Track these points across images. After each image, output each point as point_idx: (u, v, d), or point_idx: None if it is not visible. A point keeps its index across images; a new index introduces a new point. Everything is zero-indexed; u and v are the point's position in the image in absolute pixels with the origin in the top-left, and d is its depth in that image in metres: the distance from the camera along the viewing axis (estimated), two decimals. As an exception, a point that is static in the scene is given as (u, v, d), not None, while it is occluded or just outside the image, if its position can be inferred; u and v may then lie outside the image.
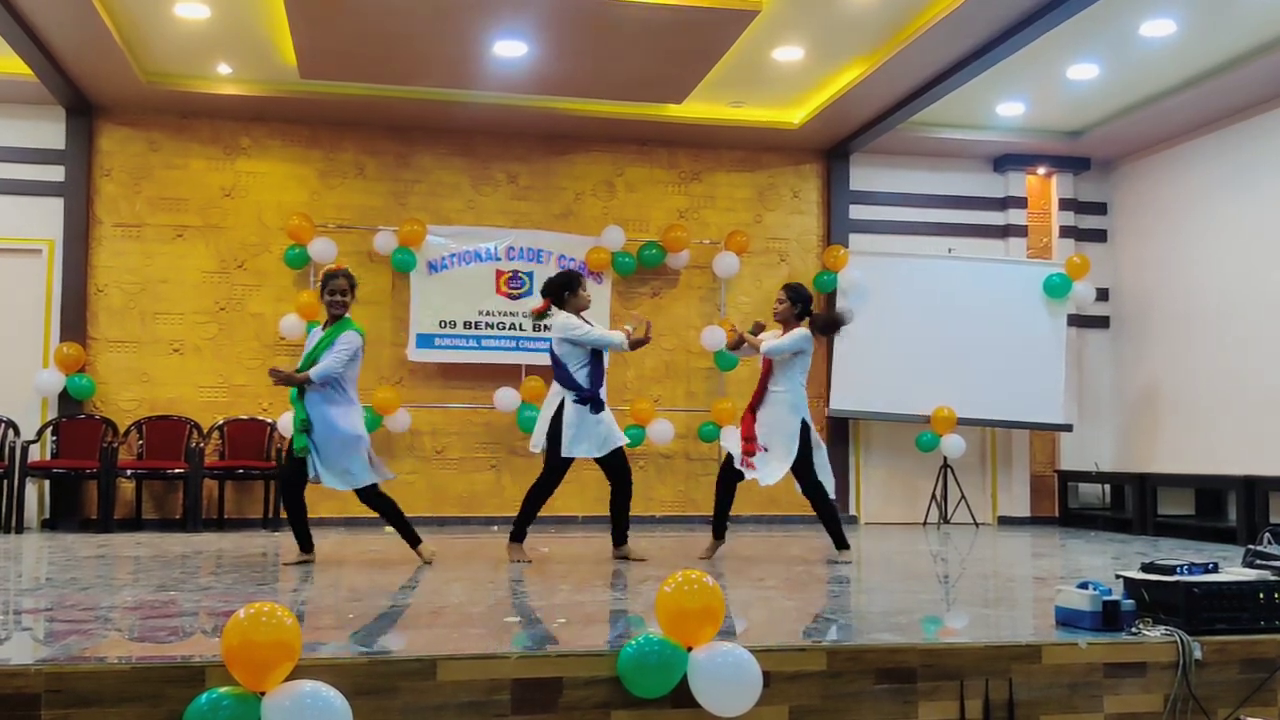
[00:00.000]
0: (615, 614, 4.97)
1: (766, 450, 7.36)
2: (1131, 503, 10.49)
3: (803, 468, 7.37)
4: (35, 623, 4.64)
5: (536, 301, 10.22)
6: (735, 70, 9.41)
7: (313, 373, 6.65)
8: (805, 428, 7.40)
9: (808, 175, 11.49)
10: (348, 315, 6.92)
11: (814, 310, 7.55)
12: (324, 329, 6.92)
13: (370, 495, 6.90)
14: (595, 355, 7.13)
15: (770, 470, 7.34)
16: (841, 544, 7.50)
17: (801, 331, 7.38)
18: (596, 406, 7.03)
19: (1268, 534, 5.34)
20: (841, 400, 10.90)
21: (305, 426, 6.70)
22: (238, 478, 9.94)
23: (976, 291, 10.97)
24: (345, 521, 10.19)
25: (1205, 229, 10.50)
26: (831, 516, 7.54)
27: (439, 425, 10.55)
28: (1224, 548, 8.55)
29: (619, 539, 7.27)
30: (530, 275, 10.54)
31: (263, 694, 3.28)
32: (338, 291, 6.87)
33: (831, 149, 11.34)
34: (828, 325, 7.68)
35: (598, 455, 7.03)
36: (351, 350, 6.73)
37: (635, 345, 7.22)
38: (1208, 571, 4.59)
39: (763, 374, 7.51)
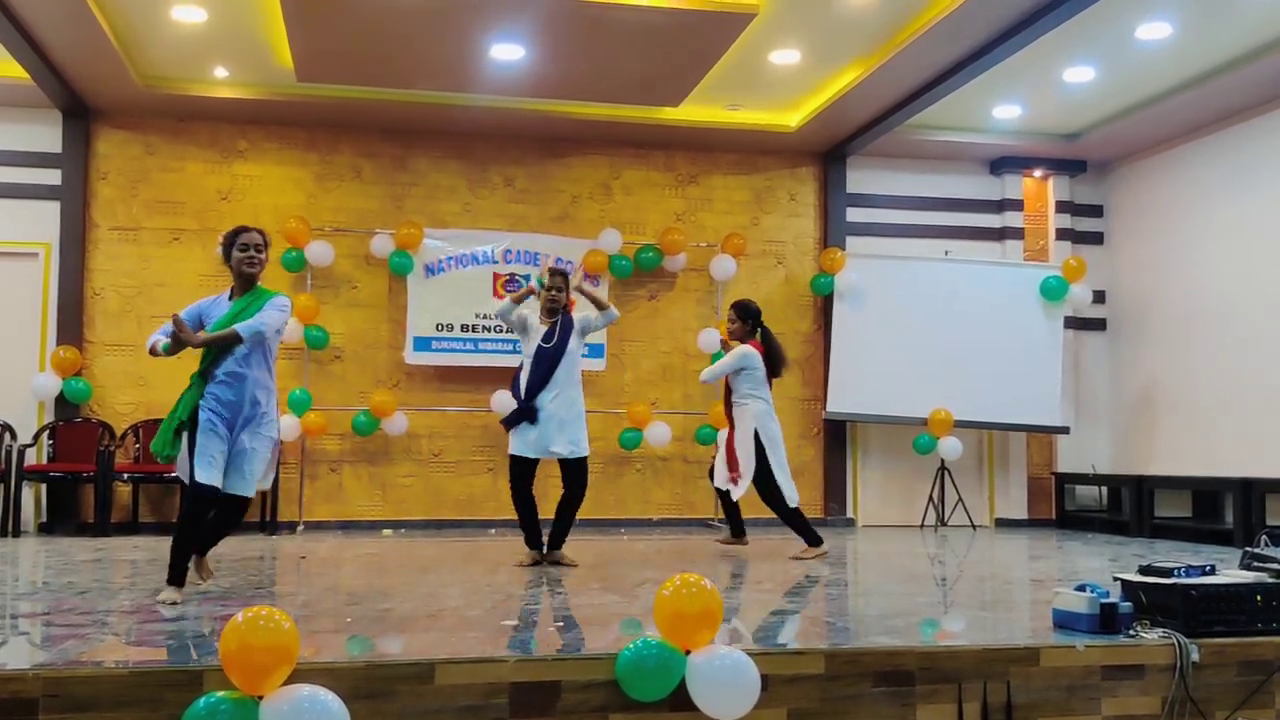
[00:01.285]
0: (614, 617, 4.96)
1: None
2: (1129, 505, 10.49)
3: (759, 475, 7.61)
4: (32, 627, 4.63)
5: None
6: (732, 73, 9.42)
7: (241, 328, 5.39)
8: (757, 435, 7.61)
9: (805, 178, 11.50)
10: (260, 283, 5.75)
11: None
12: (232, 298, 5.69)
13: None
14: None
15: (740, 485, 7.77)
16: (813, 541, 7.62)
17: (739, 351, 7.71)
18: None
19: (1265, 536, 5.35)
20: (839, 402, 10.91)
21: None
22: (235, 481, 9.91)
23: (973, 294, 10.97)
24: (342, 525, 10.19)
25: (1202, 231, 10.51)
26: (793, 520, 7.71)
27: (436, 428, 10.55)
28: (1221, 550, 8.55)
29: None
30: (527, 278, 10.52)
31: (260, 698, 3.28)
32: (251, 246, 5.65)
33: (828, 152, 11.35)
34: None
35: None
36: (288, 313, 5.65)
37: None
38: (1205, 574, 4.59)
39: (723, 395, 7.93)
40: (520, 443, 7.01)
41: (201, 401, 5.37)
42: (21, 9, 7.92)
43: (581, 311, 7.36)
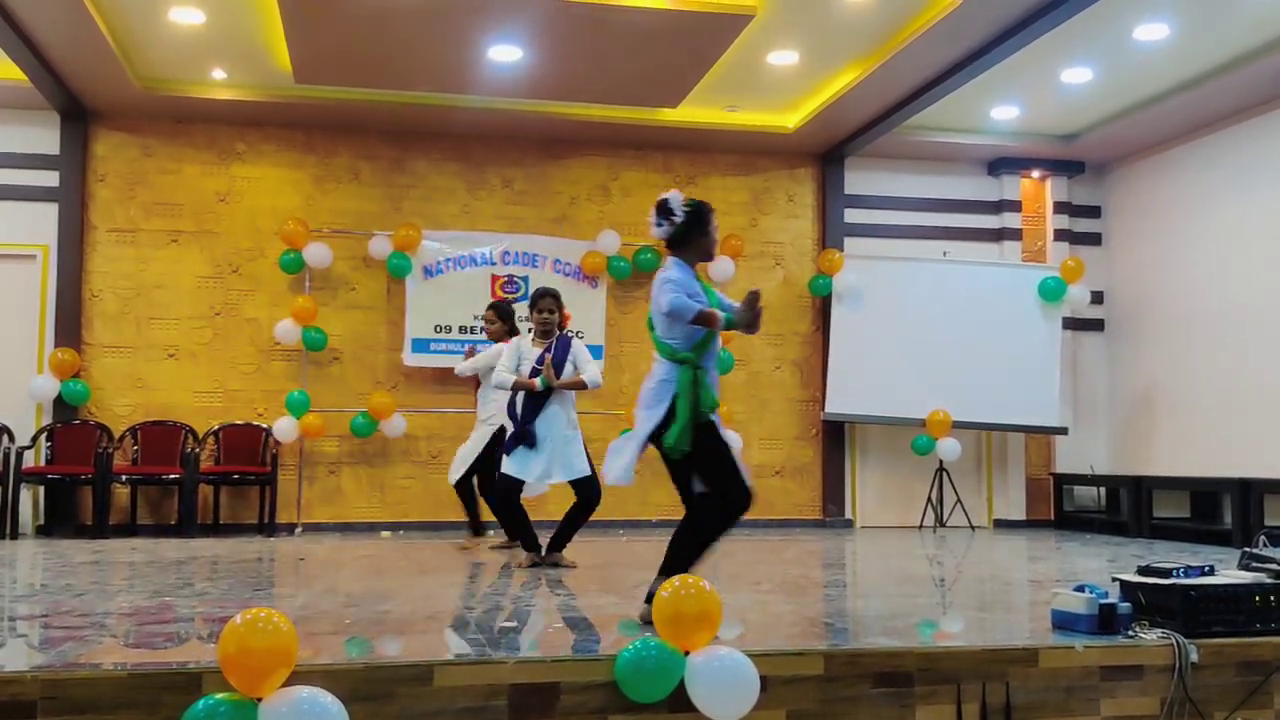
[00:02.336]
0: (613, 618, 4.96)
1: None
2: (1127, 505, 10.50)
3: (490, 466, 7.76)
4: (30, 629, 4.63)
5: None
6: (730, 74, 9.42)
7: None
8: (503, 430, 7.67)
9: (803, 179, 11.50)
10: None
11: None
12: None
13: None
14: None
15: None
16: (531, 547, 7.17)
17: (491, 350, 7.83)
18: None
19: (1263, 536, 5.36)
20: (837, 403, 10.91)
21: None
22: (233, 483, 9.92)
23: (971, 295, 10.98)
24: (341, 527, 10.19)
25: (1199, 232, 10.51)
26: (505, 514, 7.45)
27: (434, 430, 10.54)
28: (1220, 550, 8.55)
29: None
30: (525, 280, 10.53)
31: (259, 700, 3.28)
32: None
33: (826, 153, 11.35)
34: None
35: None
36: None
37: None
38: (1204, 574, 4.59)
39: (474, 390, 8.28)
40: (517, 465, 6.92)
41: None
42: (19, 11, 7.92)
43: (578, 342, 7.22)
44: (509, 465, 6.95)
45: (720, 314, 4.91)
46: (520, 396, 7.02)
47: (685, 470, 5.00)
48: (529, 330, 7.28)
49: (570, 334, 7.30)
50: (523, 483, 6.98)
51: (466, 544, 8.50)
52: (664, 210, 5.06)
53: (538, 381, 6.90)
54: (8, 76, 9.25)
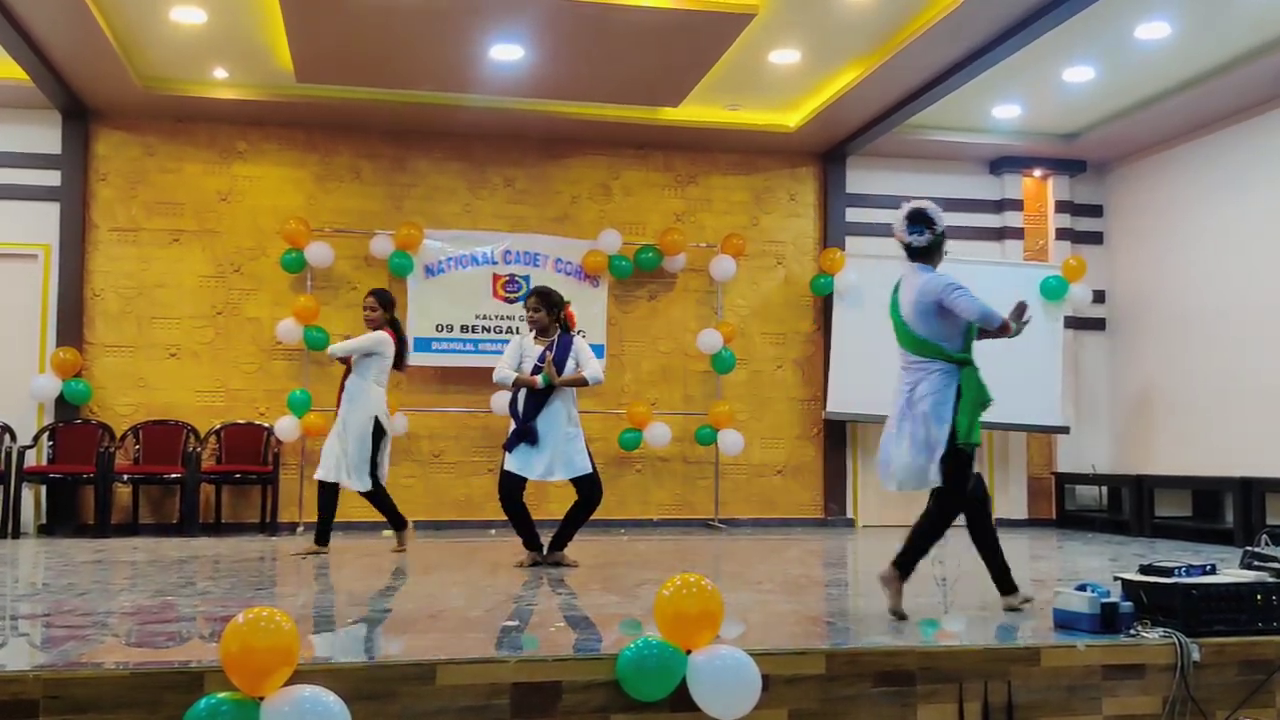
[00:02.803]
0: (614, 617, 4.96)
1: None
2: (1129, 504, 10.49)
3: (363, 459, 7.70)
4: (32, 628, 4.63)
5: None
6: (731, 73, 9.42)
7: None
8: (378, 421, 7.76)
9: (804, 178, 11.50)
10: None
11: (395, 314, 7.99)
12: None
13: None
14: None
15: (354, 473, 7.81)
16: (399, 524, 7.96)
17: (377, 336, 7.77)
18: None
19: (1265, 535, 5.35)
20: (838, 403, 10.90)
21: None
22: (234, 482, 9.92)
23: (973, 293, 10.94)
24: (341, 526, 10.17)
25: (1201, 231, 10.51)
26: (382, 501, 7.86)
27: (436, 429, 10.55)
28: (1221, 549, 8.55)
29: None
30: (526, 279, 10.53)
31: (261, 699, 3.28)
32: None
33: (828, 152, 11.35)
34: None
35: None
36: None
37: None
38: (1205, 573, 4.60)
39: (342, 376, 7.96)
40: (519, 462, 6.95)
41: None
42: (21, 10, 7.92)
43: (581, 340, 7.23)
44: (511, 462, 6.96)
45: (1011, 321, 5.53)
46: (522, 394, 7.01)
47: (960, 465, 5.36)
48: (531, 328, 7.25)
49: (573, 332, 7.28)
50: (524, 480, 6.98)
51: (400, 545, 8.05)
52: (923, 219, 5.76)
53: (539, 379, 6.90)
54: (9, 76, 9.25)
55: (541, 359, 6.98)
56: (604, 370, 7.30)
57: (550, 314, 7.13)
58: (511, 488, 7.00)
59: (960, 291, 5.41)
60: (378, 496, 7.83)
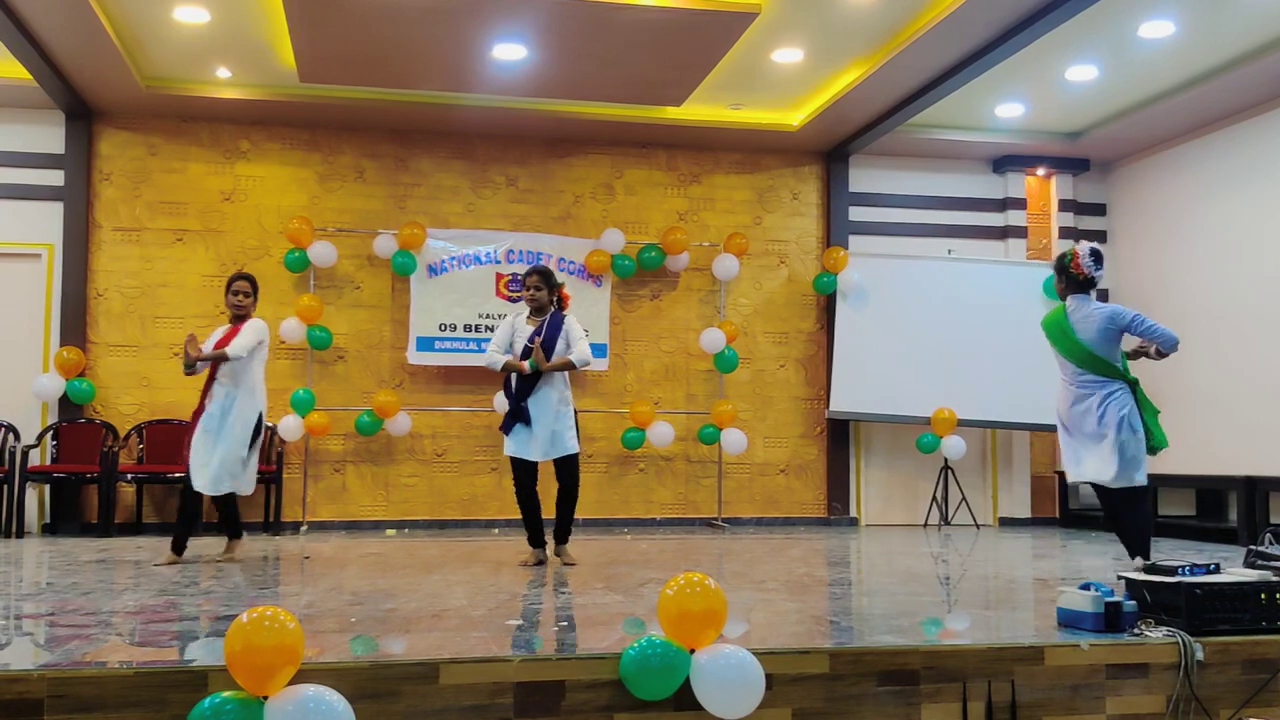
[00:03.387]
0: (618, 617, 4.96)
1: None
2: (1132, 503, 10.47)
3: (236, 455, 7.13)
4: (37, 628, 4.63)
5: (524, 308, 10.26)
6: (734, 72, 9.42)
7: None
8: (261, 417, 7.36)
9: (807, 177, 11.50)
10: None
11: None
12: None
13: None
14: None
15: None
16: (237, 534, 7.49)
17: (261, 326, 7.39)
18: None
19: (1269, 534, 5.34)
20: (842, 402, 10.90)
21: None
22: (238, 481, 9.92)
23: (976, 293, 10.97)
24: (346, 525, 10.20)
25: (1205, 230, 10.50)
26: (232, 507, 7.39)
27: (439, 428, 10.55)
28: (1225, 548, 8.55)
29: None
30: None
31: (265, 698, 3.28)
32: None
33: (831, 151, 11.35)
34: None
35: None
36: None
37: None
38: (1209, 572, 4.59)
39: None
40: (516, 445, 7.02)
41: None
42: (24, 10, 7.93)
43: (572, 319, 7.22)
44: (510, 446, 7.04)
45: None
46: (514, 375, 7.03)
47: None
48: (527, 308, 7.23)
49: (566, 312, 7.25)
50: (534, 468, 7.02)
51: (230, 554, 7.39)
52: (1100, 257, 6.51)
53: (526, 364, 6.93)
54: (13, 76, 9.27)
55: (531, 340, 6.99)
56: (591, 358, 7.20)
57: (550, 293, 7.14)
58: (521, 476, 7.05)
59: (1150, 322, 6.35)
60: (231, 500, 7.27)
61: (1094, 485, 6.50)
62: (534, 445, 6.98)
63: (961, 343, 10.83)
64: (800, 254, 11.42)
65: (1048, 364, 10.86)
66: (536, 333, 7.03)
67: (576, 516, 7.28)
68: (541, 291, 7.09)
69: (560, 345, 7.03)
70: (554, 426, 6.97)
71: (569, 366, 7.01)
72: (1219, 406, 10.18)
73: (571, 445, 7.02)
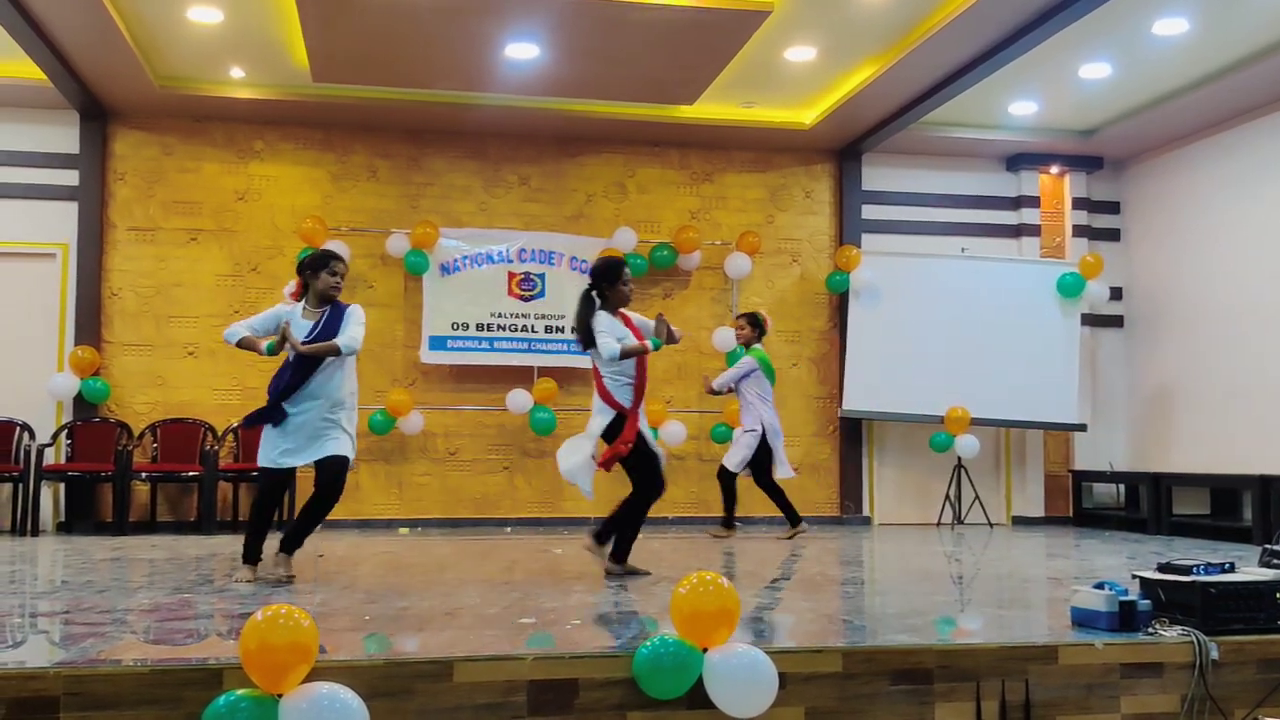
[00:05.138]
0: (630, 615, 4.97)
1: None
2: (1146, 502, 10.45)
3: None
4: (52, 625, 4.65)
5: (550, 304, 10.23)
6: (747, 71, 9.41)
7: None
8: None
9: (820, 175, 11.48)
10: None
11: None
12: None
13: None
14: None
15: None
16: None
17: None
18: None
19: (1284, 534, 5.32)
20: (854, 401, 10.89)
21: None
22: (252, 480, 9.94)
23: (990, 291, 10.94)
24: (359, 524, 10.22)
25: (1219, 227, 10.46)
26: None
27: (452, 427, 10.57)
28: (1240, 547, 8.51)
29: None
30: (542, 277, 10.55)
31: (280, 696, 3.30)
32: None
33: (843, 149, 11.33)
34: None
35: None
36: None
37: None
38: (1224, 571, 4.57)
39: None
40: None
41: None
42: (39, 11, 7.96)
43: (355, 306, 6.33)
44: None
45: None
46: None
47: None
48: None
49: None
50: (286, 486, 6.38)
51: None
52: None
53: (649, 343, 6.38)
54: (28, 76, 9.31)
55: (310, 332, 6.10)
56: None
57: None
58: (275, 487, 6.28)
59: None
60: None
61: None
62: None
63: (975, 341, 10.80)
64: (813, 252, 11.40)
65: (1062, 362, 10.93)
66: (310, 331, 6.10)
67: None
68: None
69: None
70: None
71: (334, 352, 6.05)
72: (1234, 405, 10.13)
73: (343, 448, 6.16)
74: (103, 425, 9.85)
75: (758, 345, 9.40)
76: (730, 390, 9.42)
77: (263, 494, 6.28)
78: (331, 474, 6.07)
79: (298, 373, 5.99)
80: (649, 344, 6.42)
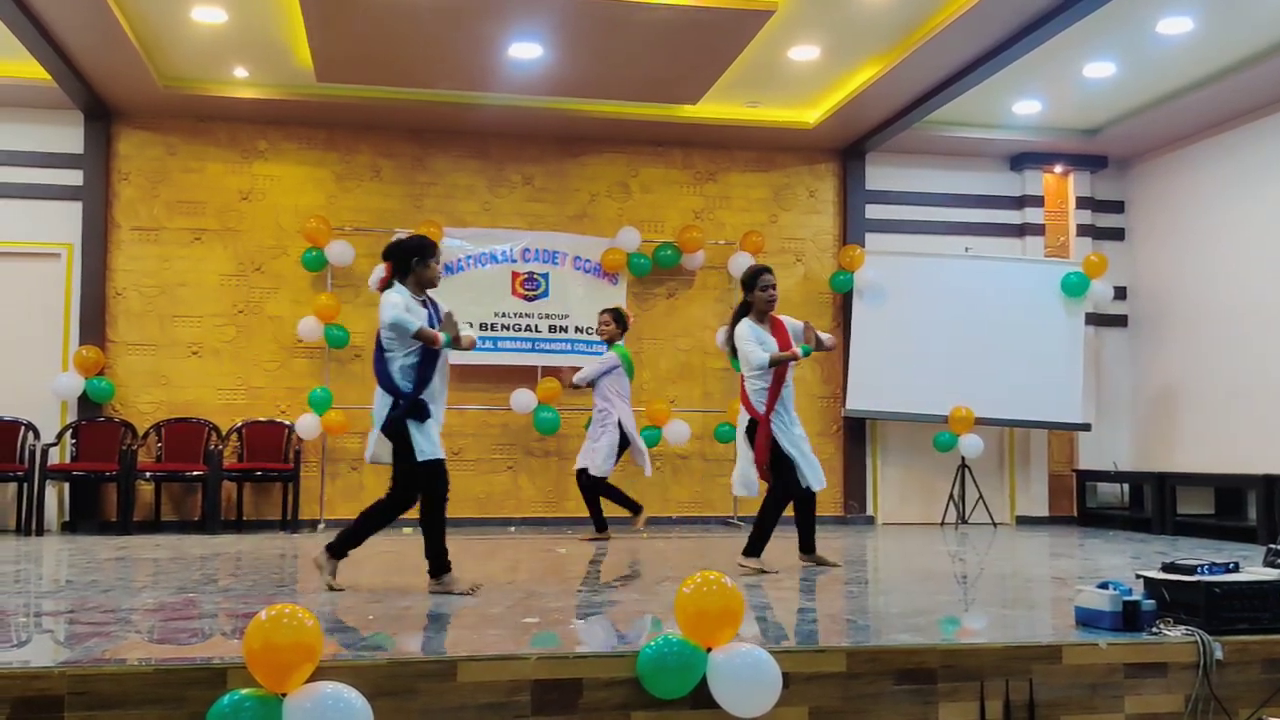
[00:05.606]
0: (634, 615, 4.97)
1: None
2: (1150, 502, 10.44)
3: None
4: (56, 625, 4.66)
5: (553, 303, 10.22)
6: (750, 70, 9.41)
7: None
8: None
9: (823, 175, 11.48)
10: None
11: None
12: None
13: None
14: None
15: None
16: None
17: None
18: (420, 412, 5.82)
19: (1289, 533, 5.32)
20: (858, 400, 10.88)
21: None
22: (256, 480, 9.97)
23: (994, 291, 10.93)
24: (363, 523, 10.21)
25: (1223, 226, 10.45)
26: None
27: (455, 427, 10.56)
28: (1244, 547, 8.50)
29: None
30: (545, 277, 10.55)
31: (284, 695, 3.30)
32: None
33: (847, 148, 11.32)
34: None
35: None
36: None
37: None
38: (1228, 571, 4.57)
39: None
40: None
41: None
42: (43, 11, 7.97)
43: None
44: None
45: None
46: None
47: None
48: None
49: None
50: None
51: None
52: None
53: (799, 350, 6.61)
54: (32, 76, 9.32)
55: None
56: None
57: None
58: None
59: None
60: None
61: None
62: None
63: (979, 341, 10.79)
64: (816, 252, 11.40)
65: (1066, 362, 10.92)
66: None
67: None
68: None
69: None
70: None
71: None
72: (1238, 405, 10.12)
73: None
74: (107, 425, 9.86)
75: (620, 342, 9.07)
76: (589, 386, 8.99)
77: (443, 488, 6.12)
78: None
79: (431, 365, 5.79)
80: (799, 351, 6.67)
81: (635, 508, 9.08)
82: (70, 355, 9.90)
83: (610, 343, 9.11)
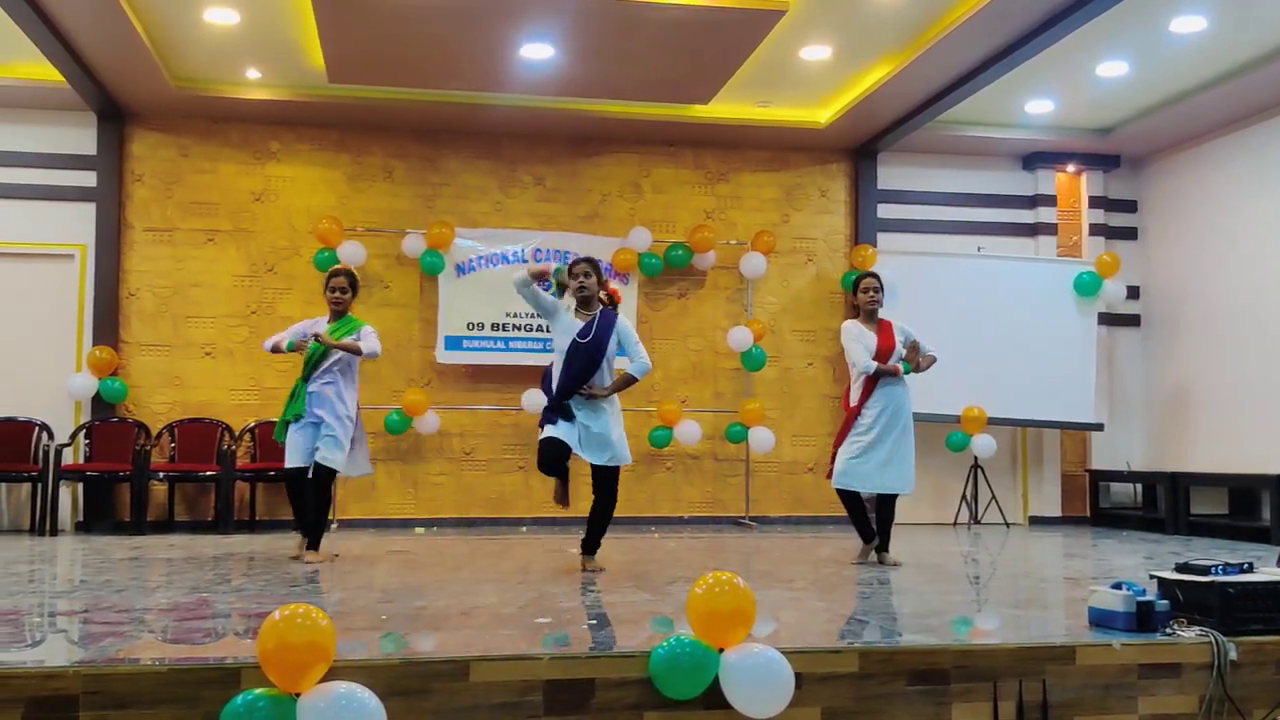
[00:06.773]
0: (646, 615, 4.97)
1: None
2: (1164, 502, 10.40)
3: None
4: (71, 625, 4.68)
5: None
6: (762, 70, 9.40)
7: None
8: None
9: (835, 174, 11.46)
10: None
11: None
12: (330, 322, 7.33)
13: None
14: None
15: None
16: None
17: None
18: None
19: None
20: (870, 400, 10.84)
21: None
22: (269, 480, 9.98)
23: (1006, 290, 10.90)
24: (375, 523, 10.24)
25: (1236, 226, 10.41)
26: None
27: (467, 427, 10.59)
28: (1258, 547, 8.47)
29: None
30: (557, 274, 10.52)
31: (298, 695, 3.31)
32: (337, 289, 7.26)
33: (859, 148, 11.31)
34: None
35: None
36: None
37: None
38: (1242, 571, 4.55)
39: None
40: (561, 429, 6.38)
41: None
42: (57, 13, 8.01)
43: (624, 319, 6.65)
44: (550, 429, 6.49)
45: None
46: (556, 369, 6.53)
47: None
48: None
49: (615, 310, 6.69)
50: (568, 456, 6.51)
51: None
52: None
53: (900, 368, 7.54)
54: (46, 78, 9.36)
55: (582, 334, 6.44)
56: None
57: (599, 282, 6.64)
58: (555, 453, 6.48)
59: None
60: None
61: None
62: (574, 437, 6.38)
63: (991, 340, 10.77)
64: (828, 251, 11.39)
65: (1079, 362, 10.88)
66: (587, 328, 6.47)
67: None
68: (592, 279, 6.53)
69: (612, 344, 6.48)
70: (605, 435, 6.43)
71: (629, 383, 6.53)
72: (1252, 404, 10.08)
73: (622, 455, 6.48)
74: (120, 425, 9.90)
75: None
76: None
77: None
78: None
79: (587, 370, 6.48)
80: (900, 367, 7.37)
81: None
82: (84, 356, 9.94)
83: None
